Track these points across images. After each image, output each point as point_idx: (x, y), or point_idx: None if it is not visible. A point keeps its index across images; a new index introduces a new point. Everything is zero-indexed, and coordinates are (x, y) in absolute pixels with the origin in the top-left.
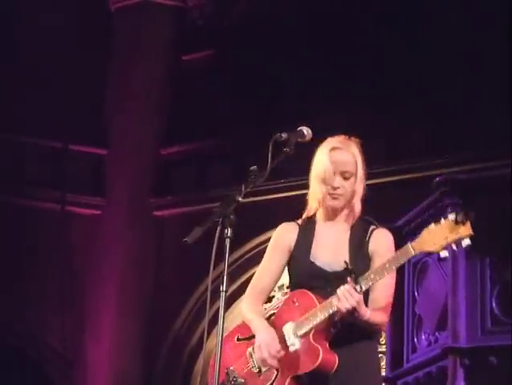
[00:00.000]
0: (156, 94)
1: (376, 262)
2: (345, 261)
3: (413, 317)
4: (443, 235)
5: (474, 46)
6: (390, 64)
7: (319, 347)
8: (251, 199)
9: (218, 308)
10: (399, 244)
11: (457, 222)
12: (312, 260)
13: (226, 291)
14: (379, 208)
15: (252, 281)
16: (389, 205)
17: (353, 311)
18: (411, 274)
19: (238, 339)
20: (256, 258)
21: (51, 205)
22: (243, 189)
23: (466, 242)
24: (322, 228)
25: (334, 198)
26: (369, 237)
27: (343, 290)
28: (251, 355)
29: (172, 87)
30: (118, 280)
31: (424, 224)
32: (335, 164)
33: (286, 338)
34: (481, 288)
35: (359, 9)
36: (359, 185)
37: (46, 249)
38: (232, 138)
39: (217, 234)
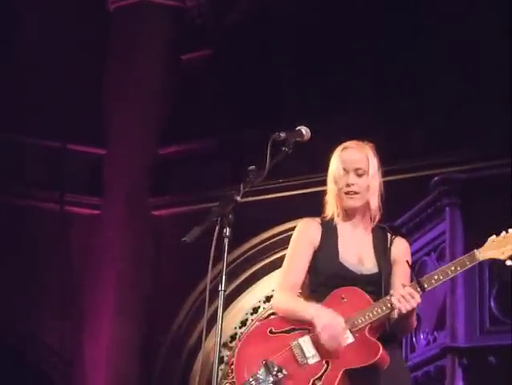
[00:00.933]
0: (155, 93)
1: (396, 270)
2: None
3: None
4: (510, 244)
5: (474, 45)
6: (390, 64)
7: (379, 343)
8: (250, 198)
9: (217, 307)
10: None
11: None
12: (341, 261)
13: (225, 291)
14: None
15: (281, 277)
16: (388, 204)
17: (412, 313)
18: (409, 274)
19: (272, 332)
20: (254, 258)
21: (50, 205)
22: (242, 189)
23: None
24: (344, 230)
25: (350, 197)
26: (390, 244)
27: (406, 291)
28: (297, 346)
29: (170, 86)
30: (116, 279)
31: (423, 224)
32: (347, 163)
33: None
34: (479, 288)
35: (358, 9)
36: (373, 182)
37: (45, 248)
38: (230, 137)
39: (215, 234)
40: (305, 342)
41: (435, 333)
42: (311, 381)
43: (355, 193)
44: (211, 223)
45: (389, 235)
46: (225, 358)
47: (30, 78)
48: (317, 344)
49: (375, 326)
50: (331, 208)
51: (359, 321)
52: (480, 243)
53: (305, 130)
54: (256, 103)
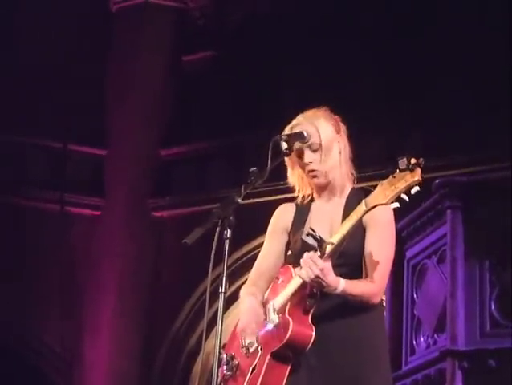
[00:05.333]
0: (156, 95)
1: (368, 236)
2: (310, 228)
3: (412, 319)
4: (393, 186)
5: (475, 47)
6: (390, 66)
7: (290, 320)
8: (251, 200)
9: (217, 309)
10: (398, 246)
11: (402, 170)
12: (304, 238)
13: (225, 292)
14: None
15: (252, 271)
16: None
17: (319, 281)
18: (410, 277)
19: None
20: (255, 260)
21: (51, 206)
22: (243, 191)
23: (415, 189)
24: (317, 205)
25: (313, 176)
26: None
27: (305, 258)
28: (243, 336)
29: (172, 87)
30: (117, 280)
31: (424, 227)
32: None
33: (268, 316)
34: (480, 291)
35: (359, 10)
36: (327, 152)
37: (46, 249)
38: (232, 139)
39: (216, 235)
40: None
41: (435, 336)
42: (250, 369)
43: (316, 171)
44: (212, 225)
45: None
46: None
47: (31, 78)
48: (257, 331)
49: (297, 302)
50: (303, 188)
51: (278, 301)
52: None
53: (306, 132)
54: (257, 105)
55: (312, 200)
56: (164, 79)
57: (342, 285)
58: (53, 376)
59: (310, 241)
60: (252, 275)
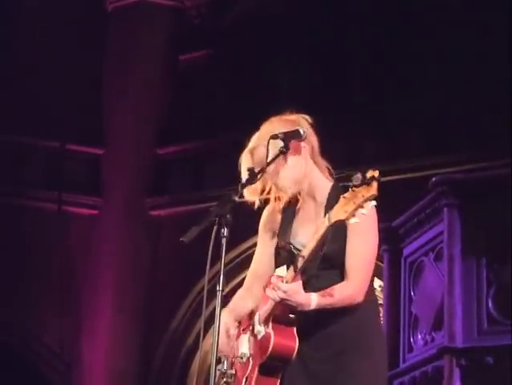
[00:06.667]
0: (153, 93)
1: (349, 235)
2: (287, 242)
3: (409, 316)
4: (351, 201)
5: (473, 45)
6: (389, 64)
7: (271, 332)
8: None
9: (215, 307)
10: (395, 244)
11: (357, 186)
12: (291, 241)
13: (223, 290)
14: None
15: (248, 274)
16: (385, 205)
17: (287, 303)
18: (407, 274)
19: (243, 330)
20: (252, 258)
21: (48, 205)
22: (240, 189)
23: (372, 204)
24: (302, 206)
25: (280, 191)
26: None
27: (271, 281)
28: (239, 345)
29: (169, 86)
30: (114, 279)
31: (421, 224)
32: (256, 164)
33: (255, 327)
34: (477, 288)
35: (355, 10)
36: (288, 168)
37: (43, 248)
38: (229, 137)
39: (213, 234)
40: (241, 341)
41: (432, 333)
42: (244, 380)
43: (280, 190)
44: (209, 223)
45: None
46: (223, 358)
47: (28, 77)
48: (250, 342)
49: (279, 314)
50: (274, 199)
51: (263, 312)
52: None
53: (302, 130)
54: (254, 103)
55: (297, 200)
56: (161, 78)
57: (314, 301)
58: (51, 376)
59: (285, 254)
60: (247, 279)
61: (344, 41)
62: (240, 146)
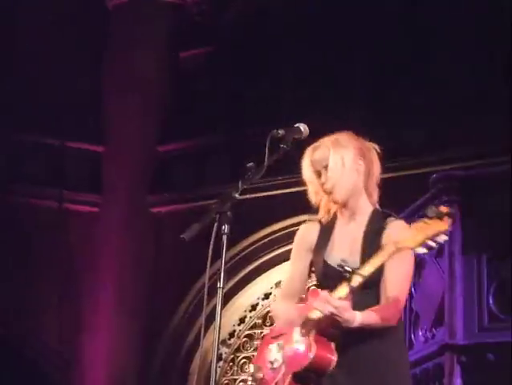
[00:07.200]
0: (154, 91)
1: (399, 260)
2: (341, 259)
3: (410, 313)
4: (423, 231)
5: (474, 42)
6: (389, 61)
7: (314, 344)
8: (248, 195)
9: (215, 305)
10: None
11: (431, 218)
12: (326, 259)
13: (223, 288)
14: None
15: (282, 285)
16: (386, 202)
17: (335, 318)
18: None
19: (272, 338)
20: (253, 255)
21: (49, 203)
22: (240, 186)
23: (443, 238)
24: (340, 224)
25: (327, 193)
26: (384, 229)
27: (321, 295)
28: (270, 351)
29: (169, 83)
30: (115, 277)
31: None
32: (315, 162)
33: (294, 335)
34: (478, 284)
35: (357, 8)
36: (333, 173)
37: (44, 246)
38: (229, 135)
39: (214, 231)
40: (274, 347)
41: (433, 330)
42: (273, 384)
43: (328, 189)
44: (210, 220)
45: (389, 219)
46: (224, 356)
47: (29, 76)
48: (283, 349)
49: (322, 328)
50: (321, 209)
51: (305, 326)
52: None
53: (303, 127)
54: (255, 101)
55: (334, 217)
56: (162, 75)
57: (358, 319)
58: (52, 374)
59: (334, 270)
60: (283, 294)
61: (346, 38)
62: (241, 143)
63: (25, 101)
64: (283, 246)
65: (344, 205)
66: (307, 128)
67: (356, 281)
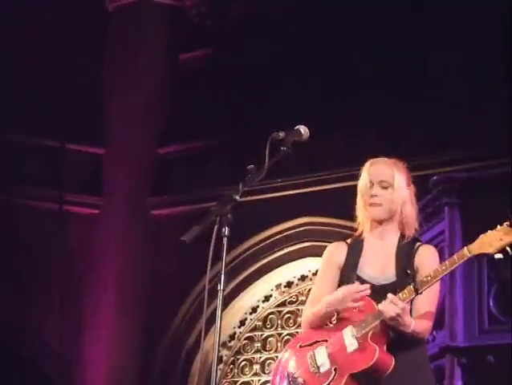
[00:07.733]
0: (154, 93)
1: (423, 274)
2: (407, 270)
3: None
4: (498, 238)
5: (474, 42)
6: (389, 63)
7: (376, 347)
8: (248, 198)
9: (216, 307)
10: None
11: (510, 225)
12: (359, 274)
13: (224, 290)
14: None
15: (308, 302)
16: None
17: (398, 319)
18: None
19: (300, 346)
20: (253, 257)
21: (49, 205)
22: (240, 188)
23: None
24: (370, 243)
25: (374, 208)
26: (415, 252)
27: (390, 297)
28: (311, 357)
29: (169, 86)
30: (116, 279)
31: (422, 224)
32: (372, 175)
33: (345, 339)
34: (478, 287)
35: (357, 8)
36: (398, 195)
37: (44, 248)
38: (230, 137)
39: (214, 233)
40: (319, 352)
41: (434, 332)
42: None
43: (378, 205)
44: (210, 222)
45: (418, 243)
46: (224, 358)
47: (29, 77)
48: (330, 353)
49: (379, 331)
50: (361, 223)
51: (361, 328)
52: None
53: (303, 129)
54: (255, 103)
55: (362, 238)
56: (162, 77)
57: (413, 324)
58: (53, 375)
59: (389, 286)
60: (307, 310)
61: (346, 40)
62: (241, 145)
63: (25, 102)
64: (284, 248)
65: (380, 222)
66: (307, 130)
67: (423, 286)
